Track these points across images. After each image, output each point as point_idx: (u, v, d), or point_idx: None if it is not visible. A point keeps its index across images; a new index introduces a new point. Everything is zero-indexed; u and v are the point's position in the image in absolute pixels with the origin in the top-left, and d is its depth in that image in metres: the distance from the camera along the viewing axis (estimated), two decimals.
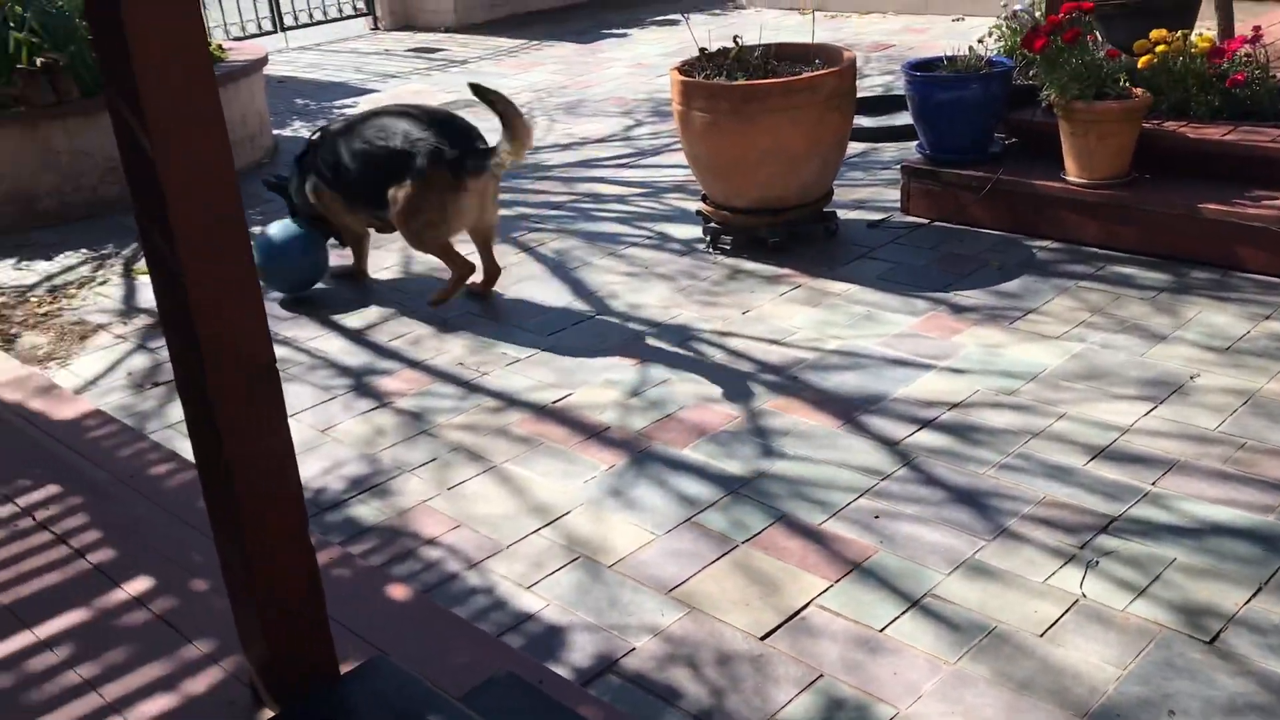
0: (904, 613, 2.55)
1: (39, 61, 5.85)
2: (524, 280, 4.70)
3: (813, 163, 4.60)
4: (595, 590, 2.73)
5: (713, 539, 2.89)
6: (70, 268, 5.33)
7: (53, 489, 2.88)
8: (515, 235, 5.24)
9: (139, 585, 2.44)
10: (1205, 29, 5.08)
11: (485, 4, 11.17)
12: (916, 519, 2.89)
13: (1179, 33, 4.62)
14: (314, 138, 4.67)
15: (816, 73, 4.54)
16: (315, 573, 1.88)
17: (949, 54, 4.91)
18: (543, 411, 3.62)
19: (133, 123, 1.53)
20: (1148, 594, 2.54)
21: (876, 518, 2.91)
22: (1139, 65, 4.54)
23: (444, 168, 4.24)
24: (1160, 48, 4.52)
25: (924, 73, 4.84)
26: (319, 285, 4.75)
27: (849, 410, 3.46)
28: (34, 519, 2.73)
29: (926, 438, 3.26)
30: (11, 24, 5.95)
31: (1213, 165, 4.37)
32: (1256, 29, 4.68)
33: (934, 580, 2.65)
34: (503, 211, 5.59)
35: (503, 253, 5.01)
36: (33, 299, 4.93)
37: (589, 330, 4.18)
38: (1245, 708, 2.19)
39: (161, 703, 2.06)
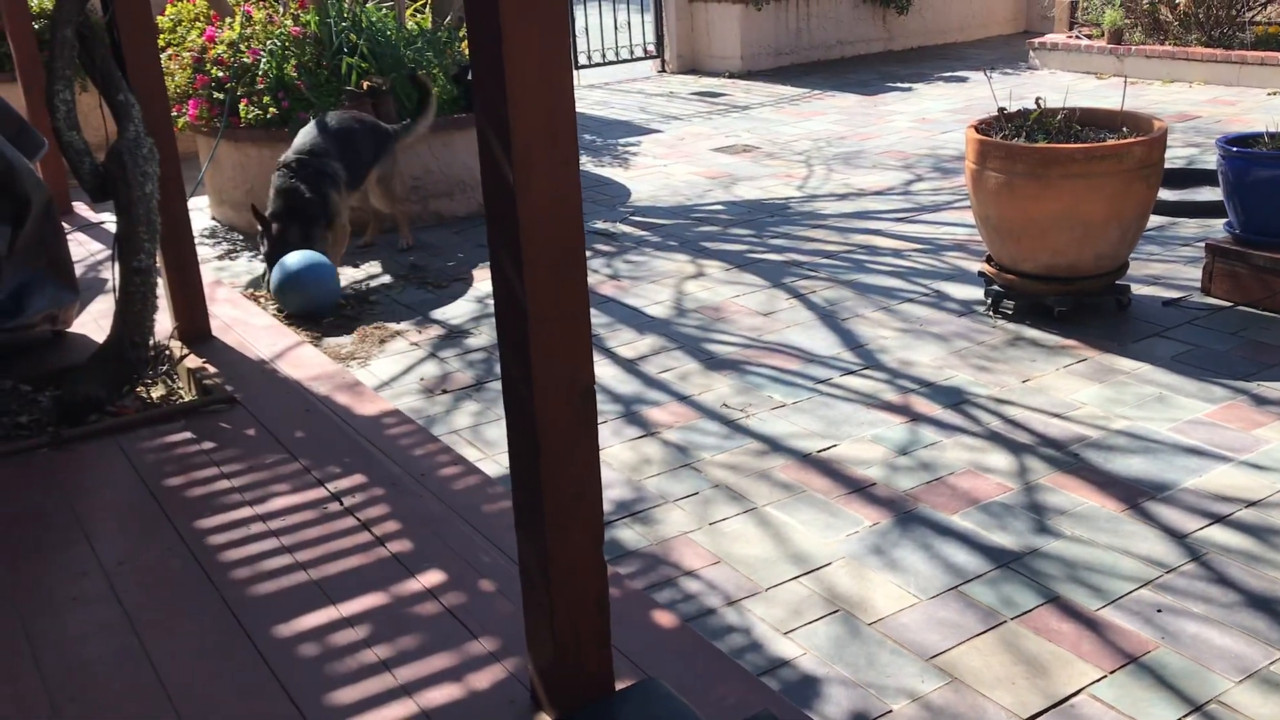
0: (1185, 717, 2.41)
1: (365, 85, 6.39)
2: (793, 326, 4.74)
3: (1111, 232, 4.42)
4: (853, 646, 2.71)
5: (979, 611, 2.81)
6: (374, 276, 5.77)
7: (358, 478, 3.13)
8: (786, 281, 5.29)
9: (432, 578, 2.61)
10: None
11: (770, 51, 11.36)
12: (1204, 619, 2.72)
13: None
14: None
15: (1123, 140, 4.38)
16: (605, 586, 1.97)
17: (1271, 130, 4.62)
18: (806, 459, 3.63)
19: (499, 155, 1.67)
20: None
21: (1159, 611, 2.76)
22: None
23: None
24: None
25: (1241, 147, 4.58)
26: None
27: (1134, 495, 3.29)
28: (341, 504, 2.97)
29: (1219, 534, 3.07)
30: (346, 49, 6.53)
31: None
32: None
33: (1221, 687, 2.49)
34: (773, 256, 5.68)
35: (772, 298, 5.08)
36: (340, 301, 5.37)
37: (857, 383, 4.17)
38: None
39: (448, 692, 2.20)
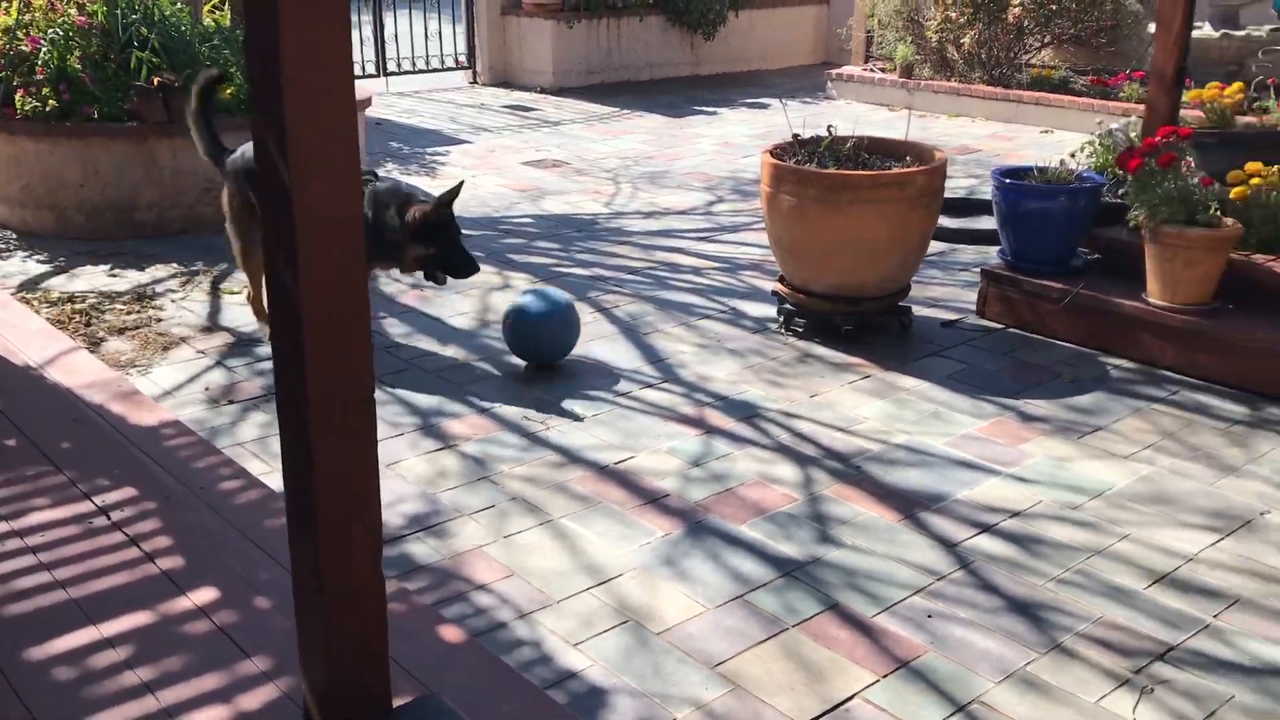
0: (949, 717, 2.53)
1: (155, 80, 6.09)
2: (596, 340, 4.77)
3: (894, 256, 4.64)
4: (641, 656, 2.74)
5: (763, 619, 2.89)
6: (160, 280, 5.49)
7: (129, 491, 2.96)
8: (591, 295, 5.33)
9: (204, 595, 2.49)
10: None
11: (582, 69, 11.44)
12: (970, 623, 2.87)
13: (1275, 167, 4.62)
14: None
15: (907, 169, 4.60)
16: (383, 600, 1.92)
17: (1040, 164, 4.94)
18: (604, 471, 3.65)
19: (275, 153, 1.61)
20: None
21: (930, 617, 2.90)
22: (1231, 195, 4.54)
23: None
24: (1255, 180, 4.53)
25: (1014, 180, 4.88)
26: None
27: (910, 506, 3.45)
28: (109, 519, 2.80)
29: (986, 543, 3.25)
30: (136, 43, 6.22)
31: None
32: None
33: (983, 688, 2.63)
34: (580, 271, 5.70)
35: (578, 310, 5.10)
36: (120, 305, 5.08)
37: (656, 396, 4.22)
38: None
39: (215, 713, 2.10)
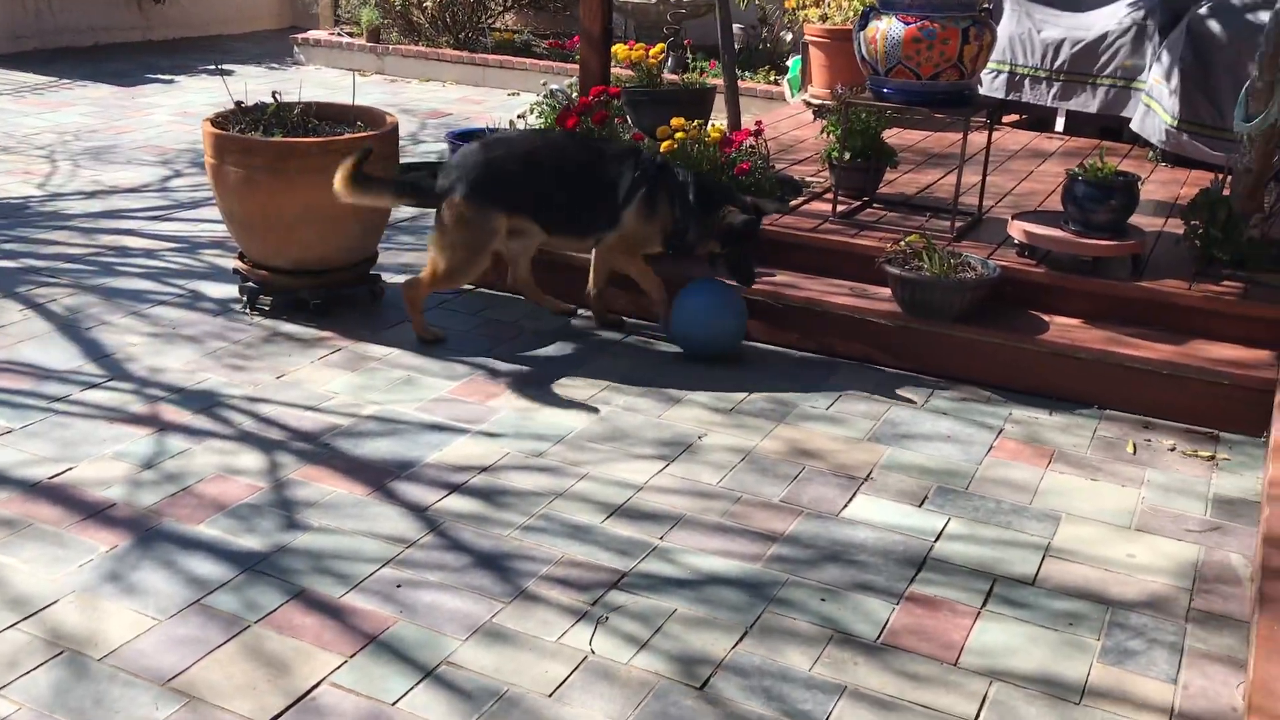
0: (418, 683, 2.52)
1: None
2: (25, 340, 4.23)
3: (355, 225, 4.53)
4: (79, 689, 2.46)
5: (221, 621, 2.70)
6: None
7: None
8: (20, 290, 4.72)
9: None
10: (720, 121, 5.61)
11: (7, 34, 10.11)
12: (439, 586, 2.88)
13: (696, 122, 5.06)
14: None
15: (357, 134, 4.50)
16: None
17: (491, 125, 5.05)
18: (34, 490, 3.24)
19: None
20: (650, 646, 2.68)
21: (399, 587, 2.87)
22: (661, 148, 4.91)
23: None
24: (679, 134, 4.93)
25: (467, 141, 4.94)
26: None
27: (380, 477, 3.40)
28: None
29: (455, 503, 3.27)
30: None
31: None
32: (758, 123, 5.23)
33: (450, 648, 2.64)
34: (4, 263, 5.04)
35: (2, 310, 4.50)
36: None
37: (99, 397, 3.82)
38: None
39: None
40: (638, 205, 4.26)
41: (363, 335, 4.43)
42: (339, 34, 10.57)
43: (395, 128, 4.67)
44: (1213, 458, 3.70)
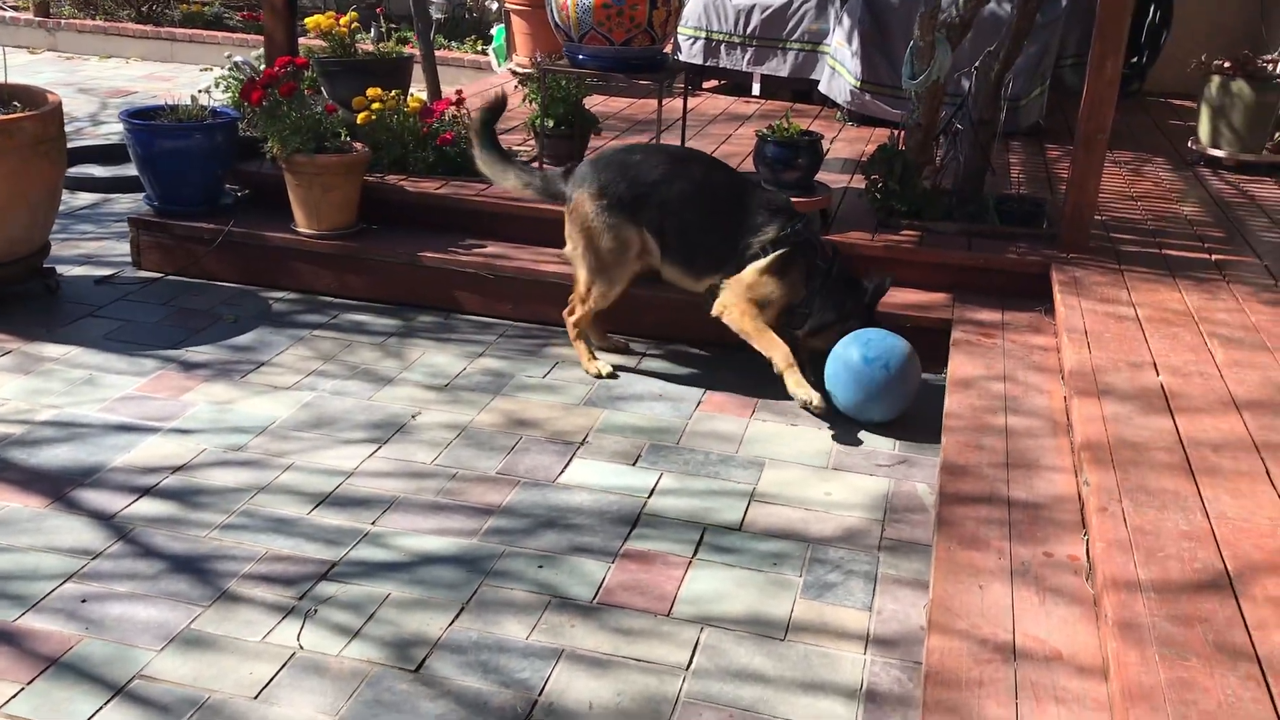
0: (107, 702, 2.34)
1: None
2: None
3: (20, 213, 4.14)
4: None
5: None
6: None
7: None
8: None
9: None
10: (421, 91, 5.49)
11: None
12: (130, 596, 2.68)
13: (394, 92, 4.92)
14: None
15: (14, 115, 4.10)
16: None
17: (171, 103, 4.73)
18: None
19: None
20: (362, 635, 2.59)
21: (84, 602, 2.65)
22: (359, 120, 4.75)
23: None
24: (376, 105, 4.78)
25: (144, 120, 4.62)
26: None
27: (60, 487, 3.13)
28: None
29: (146, 506, 3.06)
30: None
31: (432, 216, 4.71)
32: (459, 92, 5.15)
33: (144, 660, 2.47)
34: None
35: None
36: None
37: None
38: None
39: None
40: (771, 262, 3.80)
41: (37, 334, 4.07)
42: (3, 7, 9.63)
43: (58, 106, 4.28)
44: None
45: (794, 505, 3.24)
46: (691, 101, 6.52)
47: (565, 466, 3.38)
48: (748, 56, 6.90)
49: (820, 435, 3.66)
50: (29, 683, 2.39)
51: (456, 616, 2.67)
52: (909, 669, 2.56)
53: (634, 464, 3.42)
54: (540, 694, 2.43)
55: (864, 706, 2.44)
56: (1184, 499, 2.63)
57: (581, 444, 3.52)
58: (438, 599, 2.73)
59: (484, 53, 8.67)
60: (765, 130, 4.55)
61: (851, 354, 3.67)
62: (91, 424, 3.48)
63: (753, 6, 6.80)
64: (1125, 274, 4.22)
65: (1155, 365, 3.41)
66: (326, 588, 2.76)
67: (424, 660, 2.52)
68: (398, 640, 2.58)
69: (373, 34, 6.67)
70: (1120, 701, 1.98)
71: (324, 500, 3.14)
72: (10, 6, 9.58)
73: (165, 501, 3.09)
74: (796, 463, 3.48)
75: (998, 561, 2.63)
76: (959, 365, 3.73)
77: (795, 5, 6.73)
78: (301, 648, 2.54)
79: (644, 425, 3.66)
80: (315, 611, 2.66)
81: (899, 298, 4.23)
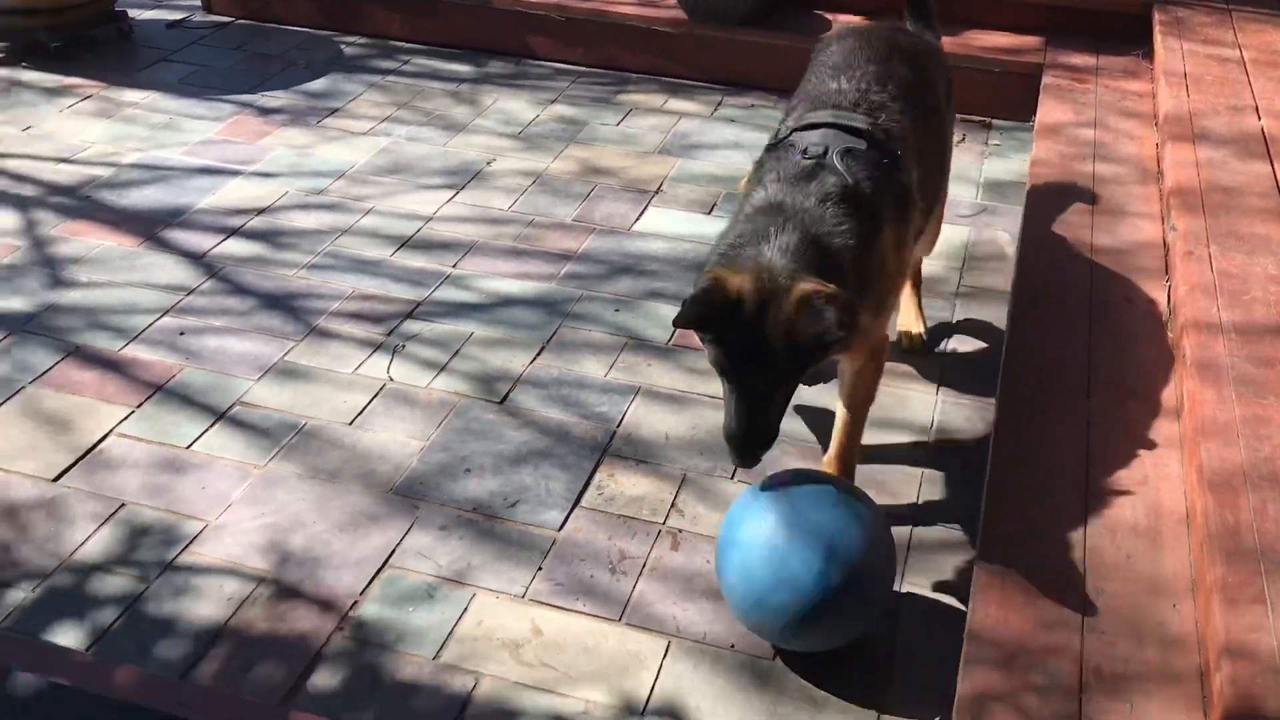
0: (211, 426, 2.48)
1: None
2: None
3: None
4: None
5: None
6: None
7: None
8: None
9: None
10: None
11: None
12: (224, 330, 2.79)
13: None
14: None
15: None
16: None
17: None
18: None
19: None
20: (449, 369, 2.69)
21: (182, 334, 2.77)
22: None
23: None
24: None
25: None
26: None
27: (150, 227, 3.21)
28: None
29: (234, 246, 3.14)
30: None
31: None
32: None
33: (242, 389, 2.59)
34: None
35: None
36: None
37: None
38: (528, 454, 2.44)
39: None
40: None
41: (115, 79, 4.08)
42: None
43: None
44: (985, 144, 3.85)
45: None
46: None
47: (640, 214, 3.38)
48: None
49: None
50: (138, 406, 2.53)
51: (538, 354, 2.75)
52: (980, 408, 2.60)
53: (709, 213, 3.40)
54: (619, 425, 2.52)
55: (935, 434, 2.50)
56: (1275, 244, 2.57)
57: (656, 192, 3.50)
58: (519, 338, 2.81)
59: None
60: None
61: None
62: (175, 167, 3.53)
63: None
64: (1233, 13, 3.98)
65: (1257, 109, 3.26)
66: (412, 325, 2.84)
67: (508, 394, 2.61)
68: (483, 375, 2.67)
69: None
70: (1192, 435, 2.00)
71: (405, 243, 3.19)
72: None
73: (252, 241, 3.17)
74: None
75: (1076, 307, 2.62)
76: (1048, 111, 3.59)
77: None
78: (391, 379, 2.64)
79: (720, 174, 3.62)
80: (403, 347, 2.76)
81: (987, 40, 4.05)
